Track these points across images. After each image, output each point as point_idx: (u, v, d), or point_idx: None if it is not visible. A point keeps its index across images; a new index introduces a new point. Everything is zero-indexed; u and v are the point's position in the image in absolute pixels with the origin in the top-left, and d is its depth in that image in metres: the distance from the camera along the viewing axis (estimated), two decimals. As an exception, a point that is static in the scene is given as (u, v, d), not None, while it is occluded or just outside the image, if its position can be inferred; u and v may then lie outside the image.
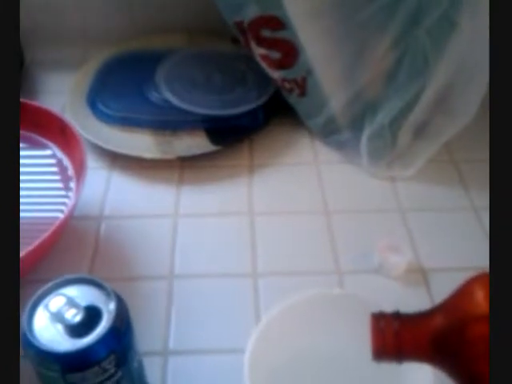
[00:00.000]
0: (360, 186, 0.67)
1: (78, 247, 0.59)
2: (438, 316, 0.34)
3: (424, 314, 0.34)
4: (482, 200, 0.65)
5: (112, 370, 0.38)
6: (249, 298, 0.54)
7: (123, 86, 0.75)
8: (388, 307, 0.35)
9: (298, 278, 0.56)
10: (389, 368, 0.35)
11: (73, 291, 0.40)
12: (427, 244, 0.59)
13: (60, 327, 0.38)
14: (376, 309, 0.35)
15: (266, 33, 0.66)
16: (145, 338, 0.48)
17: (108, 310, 0.38)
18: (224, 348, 0.50)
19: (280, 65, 0.68)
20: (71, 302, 0.39)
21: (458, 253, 0.58)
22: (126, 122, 0.70)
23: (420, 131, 0.68)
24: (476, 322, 0.31)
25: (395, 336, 0.34)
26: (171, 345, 0.50)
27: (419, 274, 0.56)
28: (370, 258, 0.57)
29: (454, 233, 0.61)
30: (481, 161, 0.70)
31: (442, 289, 0.37)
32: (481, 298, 0.31)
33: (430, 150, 0.67)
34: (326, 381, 0.40)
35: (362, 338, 0.34)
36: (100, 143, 0.68)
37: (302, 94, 0.69)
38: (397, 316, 0.35)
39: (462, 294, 0.33)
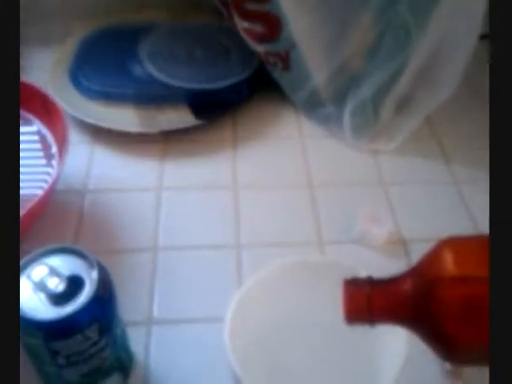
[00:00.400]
0: (343, 160, 0.67)
1: (62, 221, 0.59)
2: (408, 279, 0.34)
3: (395, 278, 0.35)
4: (463, 173, 0.65)
5: (95, 338, 0.39)
6: (232, 269, 0.55)
7: (106, 60, 0.75)
8: (367, 272, 0.36)
9: (281, 249, 0.57)
10: (367, 331, 0.36)
11: (55, 261, 0.40)
12: (408, 216, 0.60)
13: (43, 296, 0.38)
14: (356, 274, 0.36)
15: (250, 6, 0.66)
16: (129, 309, 0.49)
17: (90, 278, 0.39)
18: (207, 317, 0.50)
19: (263, 38, 0.68)
20: (54, 272, 0.39)
21: (438, 224, 0.59)
22: (109, 97, 0.70)
23: (402, 105, 0.68)
24: (444, 284, 0.32)
25: (367, 300, 0.34)
26: (155, 314, 0.51)
27: (400, 245, 0.57)
28: (352, 229, 0.58)
29: (435, 205, 0.62)
30: (462, 134, 0.70)
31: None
32: (449, 261, 0.32)
33: (412, 124, 0.68)
34: (306, 345, 0.41)
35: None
36: (83, 118, 0.68)
37: (286, 67, 0.69)
38: (369, 281, 0.35)
39: (431, 257, 0.34)
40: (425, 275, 0.34)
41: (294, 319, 0.41)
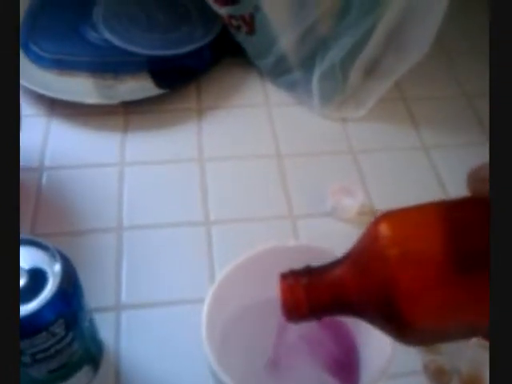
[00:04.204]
0: (312, 128, 0.65)
1: (18, 201, 0.55)
2: (346, 263, 0.30)
3: (333, 264, 0.31)
4: (432, 138, 0.65)
5: (62, 334, 0.37)
6: (202, 247, 0.53)
7: (58, 25, 0.70)
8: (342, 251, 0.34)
9: (251, 224, 0.55)
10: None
11: (14, 254, 0.37)
12: (379, 184, 0.59)
13: (2, 293, 0.36)
14: (331, 258, 0.34)
15: (211, -35, 0.62)
16: (96, 294, 0.47)
17: (53, 271, 0.36)
18: (178, 299, 0.49)
19: (226, 0, 0.65)
20: (13, 266, 0.36)
21: (408, 193, 0.58)
22: (63, 65, 0.65)
23: (371, 70, 0.66)
24: (385, 265, 0.27)
25: (305, 291, 0.30)
26: (123, 299, 0.49)
27: (372, 216, 0.56)
28: (323, 201, 0.56)
29: (405, 172, 0.61)
30: (431, 98, 0.69)
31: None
32: (388, 238, 0.28)
33: (381, 89, 0.66)
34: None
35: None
36: (36, 89, 0.63)
37: (251, 31, 0.66)
38: (307, 270, 0.32)
39: (369, 236, 0.29)
40: (363, 256, 0.29)
41: (270, 305, 0.40)
